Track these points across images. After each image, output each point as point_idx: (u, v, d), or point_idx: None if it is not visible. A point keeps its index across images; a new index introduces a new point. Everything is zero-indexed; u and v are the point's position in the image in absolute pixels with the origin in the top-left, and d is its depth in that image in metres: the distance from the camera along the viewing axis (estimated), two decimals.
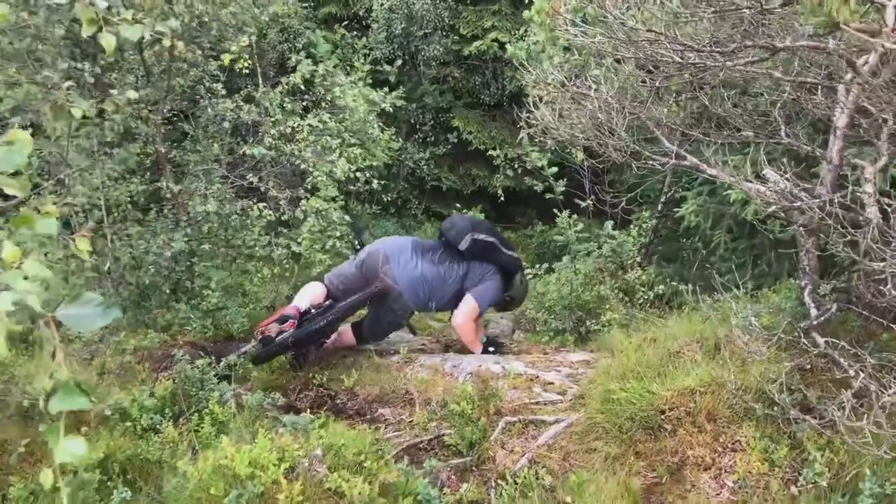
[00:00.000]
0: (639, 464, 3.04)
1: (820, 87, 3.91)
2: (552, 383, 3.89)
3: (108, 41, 1.78)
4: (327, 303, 4.63)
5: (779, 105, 4.04)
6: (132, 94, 2.79)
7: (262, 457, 2.69)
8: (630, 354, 3.50)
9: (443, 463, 3.34)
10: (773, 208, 3.21)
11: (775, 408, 2.95)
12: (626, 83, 4.16)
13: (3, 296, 1.23)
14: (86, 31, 1.82)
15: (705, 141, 4.42)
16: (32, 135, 6.01)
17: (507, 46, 4.95)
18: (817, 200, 3.14)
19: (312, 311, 4.54)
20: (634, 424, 3.14)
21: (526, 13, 4.15)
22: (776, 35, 3.49)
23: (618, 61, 4.25)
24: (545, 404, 3.64)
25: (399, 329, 4.92)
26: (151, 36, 3.98)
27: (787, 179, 3.20)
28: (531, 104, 4.38)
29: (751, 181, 3.54)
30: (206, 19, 5.74)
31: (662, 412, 3.12)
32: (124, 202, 6.06)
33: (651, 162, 3.89)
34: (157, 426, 3.44)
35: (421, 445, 3.54)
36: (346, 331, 4.80)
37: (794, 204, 3.13)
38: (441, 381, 4.05)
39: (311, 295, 4.67)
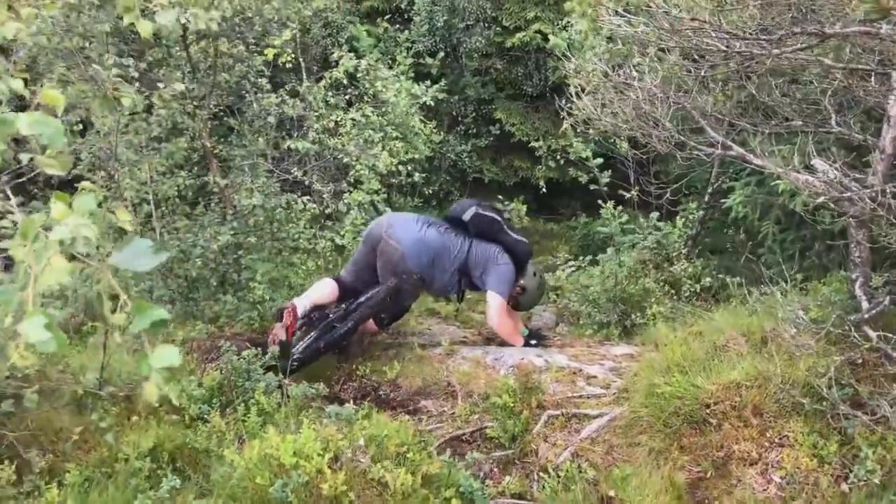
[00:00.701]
0: (683, 458, 3.01)
1: (873, 73, 3.80)
2: (595, 377, 3.87)
3: (144, 27, 1.81)
4: (343, 306, 4.66)
5: (829, 93, 3.94)
6: (179, 87, 2.83)
7: (306, 446, 2.73)
8: (675, 348, 3.46)
9: (485, 455, 3.35)
10: (821, 199, 3.14)
11: (824, 403, 2.89)
12: (670, 73, 4.10)
13: (57, 229, 1.26)
14: (127, 20, 1.85)
15: (753, 131, 4.33)
16: (83, 131, 6.13)
17: (550, 37, 4.90)
18: (869, 191, 3.06)
19: (330, 314, 4.57)
20: (679, 418, 3.11)
21: (567, 3, 4.12)
22: (825, 21, 3.40)
23: (662, 50, 4.19)
24: (588, 398, 3.63)
25: (413, 300, 4.85)
26: (195, 32, 4.03)
27: (836, 169, 3.12)
28: (573, 94, 4.35)
29: (798, 171, 3.46)
30: (250, 14, 5.81)
31: (707, 406, 3.08)
32: (172, 196, 6.19)
33: (697, 152, 3.83)
34: (205, 416, 3.51)
35: (463, 437, 3.56)
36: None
37: (845, 195, 3.06)
38: (483, 373, 4.06)
39: (315, 294, 4.71)
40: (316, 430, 2.84)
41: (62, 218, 1.27)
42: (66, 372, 3.60)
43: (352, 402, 3.82)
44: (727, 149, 3.81)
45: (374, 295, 4.57)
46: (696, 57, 4.05)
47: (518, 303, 4.98)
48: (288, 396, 3.80)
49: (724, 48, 3.61)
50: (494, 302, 4.68)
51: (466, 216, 4.70)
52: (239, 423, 3.51)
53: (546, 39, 10.31)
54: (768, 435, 2.95)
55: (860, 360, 3.11)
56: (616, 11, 3.82)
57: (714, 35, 3.59)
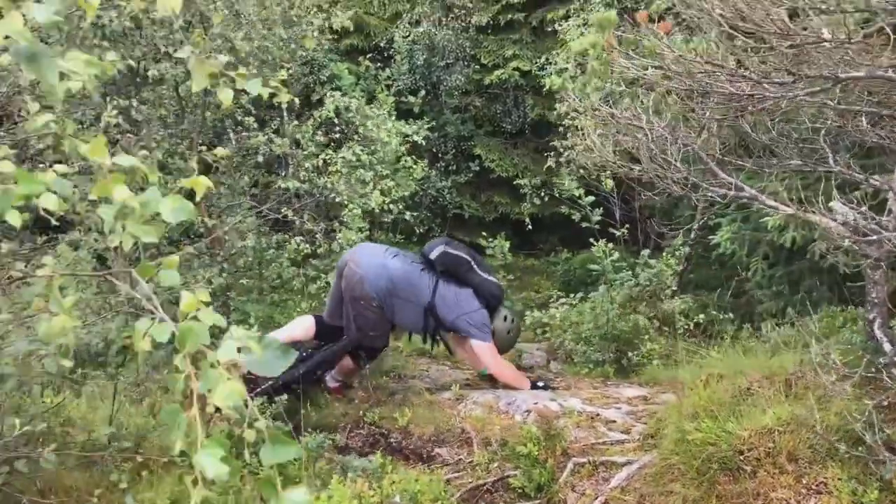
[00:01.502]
0: None
1: (864, 113, 3.86)
2: (614, 421, 3.81)
3: (225, 95, 1.76)
4: (310, 349, 4.62)
5: (823, 132, 4.00)
6: (221, 151, 2.76)
7: None
8: (700, 392, 3.42)
9: None
10: (847, 244, 3.15)
11: (860, 448, 2.87)
12: (678, 114, 4.13)
13: (226, 345, 1.18)
14: (197, 87, 1.79)
15: (745, 168, 4.37)
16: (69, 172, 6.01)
17: (552, 77, 4.93)
18: (893, 234, 3.08)
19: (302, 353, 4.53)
20: (712, 466, 3.06)
21: (576, 45, 4.13)
22: (836, 65, 3.45)
23: (668, 92, 4.22)
24: (612, 444, 3.57)
25: (380, 332, 4.59)
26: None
27: (861, 214, 3.14)
28: (581, 134, 4.35)
29: (813, 212, 3.48)
30: (243, 54, 5.75)
31: (741, 453, 3.03)
32: (161, 238, 6.03)
33: (710, 194, 3.85)
34: None
35: (485, 487, 3.46)
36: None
37: (870, 238, 3.08)
38: (497, 419, 3.98)
39: (290, 330, 4.69)
40: (349, 488, 2.73)
41: (189, 310, 1.20)
42: (68, 425, 3.44)
43: (368, 452, 3.70)
44: (740, 190, 3.83)
45: (338, 345, 4.55)
46: (702, 99, 4.08)
47: None
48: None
49: (735, 91, 3.64)
50: (482, 349, 4.59)
51: (434, 254, 4.62)
52: (252, 476, 3.38)
53: (524, 76, 10.44)
54: (805, 482, 2.91)
55: (886, 403, 3.11)
56: (627, 55, 3.84)
57: (725, 78, 3.62)
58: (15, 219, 1.22)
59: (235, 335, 1.19)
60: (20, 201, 1.21)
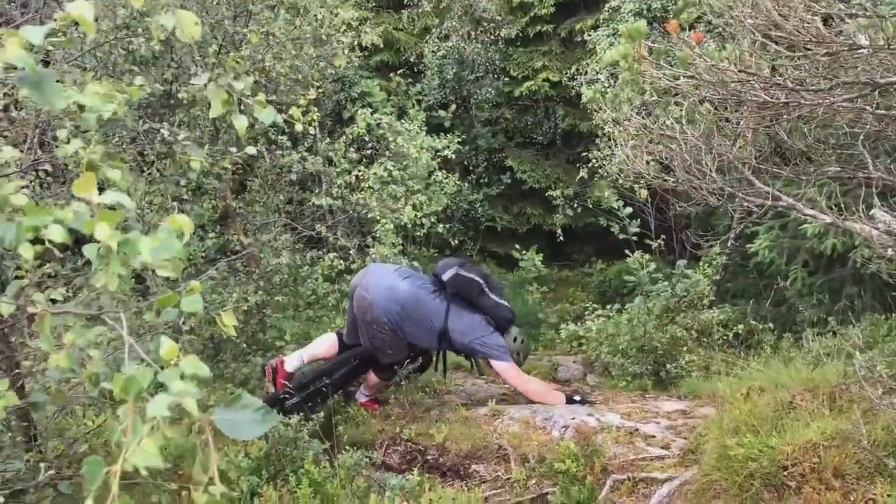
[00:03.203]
0: None
1: None
2: (654, 436, 3.75)
3: (240, 124, 1.77)
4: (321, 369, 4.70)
5: (861, 137, 3.91)
6: (251, 150, 2.81)
7: None
8: (740, 406, 3.36)
9: None
10: (890, 252, 3.08)
11: None
12: (711, 124, 4.09)
13: (157, 399, 1.15)
14: (214, 113, 1.81)
15: (782, 176, 4.30)
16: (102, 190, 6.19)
17: (584, 90, 4.89)
18: None
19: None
20: (755, 482, 2.99)
21: (608, 55, 4.09)
22: (874, 70, 3.38)
23: (700, 102, 4.17)
24: (652, 460, 3.51)
25: (397, 350, 4.60)
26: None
27: None
28: (614, 145, 4.32)
29: (854, 220, 3.40)
30: (274, 74, 5.82)
31: (784, 468, 2.96)
32: (197, 256, 6.12)
33: (746, 204, 3.79)
34: (257, 489, 3.39)
35: None
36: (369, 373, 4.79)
37: None
38: (534, 435, 3.95)
39: (314, 348, 4.79)
40: None
41: (170, 357, 1.19)
42: (109, 446, 3.49)
43: (405, 469, 3.70)
44: (777, 199, 3.77)
45: (343, 369, 4.66)
46: (735, 107, 4.03)
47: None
48: (333, 464, 3.69)
49: (771, 99, 3.58)
50: (503, 369, 4.55)
51: (446, 276, 4.58)
52: (291, 495, 3.40)
53: (554, 87, 10.43)
54: (853, 498, 2.83)
55: None
56: (659, 65, 3.81)
57: (760, 86, 3.56)
58: (27, 252, 1.22)
59: (173, 390, 1.15)
60: (29, 233, 1.21)
